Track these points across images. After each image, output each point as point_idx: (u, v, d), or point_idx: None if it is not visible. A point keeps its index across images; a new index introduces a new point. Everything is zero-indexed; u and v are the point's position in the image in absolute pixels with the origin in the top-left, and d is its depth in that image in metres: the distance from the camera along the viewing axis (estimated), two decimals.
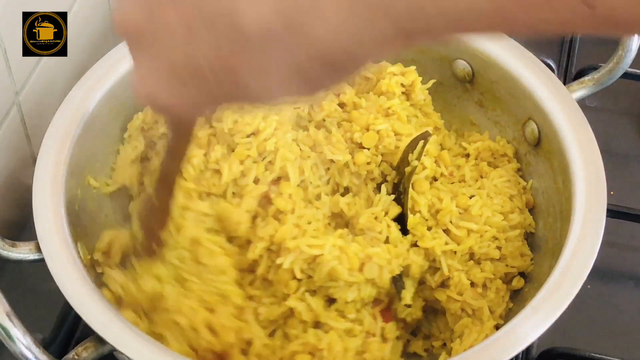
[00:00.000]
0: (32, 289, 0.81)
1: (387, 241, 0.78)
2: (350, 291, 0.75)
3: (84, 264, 0.73)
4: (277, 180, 0.80)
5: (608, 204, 0.75)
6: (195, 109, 0.50)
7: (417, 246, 0.79)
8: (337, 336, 0.74)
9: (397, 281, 0.78)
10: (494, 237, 0.80)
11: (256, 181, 0.80)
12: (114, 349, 0.67)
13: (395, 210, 0.80)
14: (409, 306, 0.78)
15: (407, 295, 0.77)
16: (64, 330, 0.82)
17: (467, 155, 0.88)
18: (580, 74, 0.99)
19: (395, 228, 0.79)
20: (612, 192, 0.77)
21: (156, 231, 0.74)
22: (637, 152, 0.99)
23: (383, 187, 0.82)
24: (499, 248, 0.79)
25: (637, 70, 0.98)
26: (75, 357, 0.67)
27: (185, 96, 0.47)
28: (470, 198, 0.81)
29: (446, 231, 0.80)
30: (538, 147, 0.84)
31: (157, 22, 0.45)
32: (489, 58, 0.86)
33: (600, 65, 0.87)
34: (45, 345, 0.67)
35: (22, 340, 0.64)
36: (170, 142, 0.64)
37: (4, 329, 0.64)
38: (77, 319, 0.70)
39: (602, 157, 0.78)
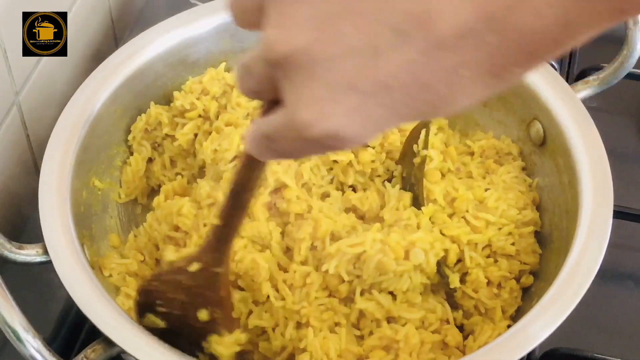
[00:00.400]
0: (31, 289, 0.80)
1: (419, 227, 0.78)
2: (402, 281, 0.74)
3: (90, 265, 0.72)
4: (277, 191, 0.80)
5: None
6: (377, 132, 0.44)
7: (443, 234, 0.79)
8: (413, 328, 0.73)
9: (439, 267, 0.77)
10: (510, 233, 0.79)
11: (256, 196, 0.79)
12: (122, 351, 0.67)
13: (408, 197, 0.80)
14: (455, 290, 0.78)
15: (455, 278, 0.77)
16: (64, 330, 0.81)
17: (472, 154, 0.88)
18: (582, 74, 1.00)
19: (422, 214, 0.79)
20: None
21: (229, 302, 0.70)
22: (637, 152, 1.00)
23: (388, 185, 0.82)
24: (513, 244, 0.79)
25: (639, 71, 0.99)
26: (84, 359, 0.67)
27: (370, 122, 0.42)
28: (485, 191, 0.81)
29: (464, 221, 0.80)
30: (543, 147, 0.84)
31: (332, 45, 0.39)
32: None
33: (603, 65, 0.87)
34: None
35: (32, 343, 0.64)
36: (242, 174, 0.57)
37: (14, 331, 0.64)
38: (77, 319, 0.69)
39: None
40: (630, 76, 0.97)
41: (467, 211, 0.79)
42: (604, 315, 0.85)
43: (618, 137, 0.99)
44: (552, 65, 0.96)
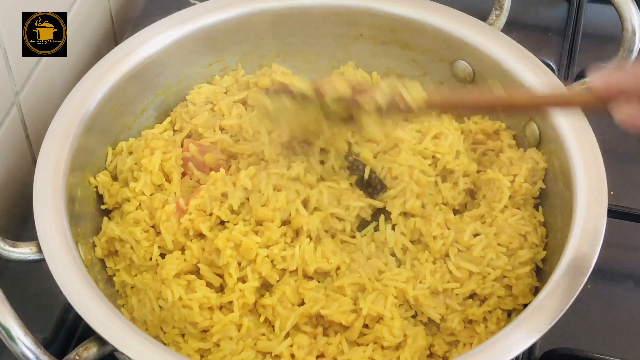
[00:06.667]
0: (32, 288, 0.81)
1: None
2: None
3: (84, 264, 0.73)
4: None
5: (608, 204, 0.75)
6: None
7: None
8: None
9: None
10: (503, 276, 0.77)
11: None
12: (114, 349, 0.67)
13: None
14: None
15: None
16: (64, 330, 0.82)
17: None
18: (581, 75, 0.99)
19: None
20: (612, 192, 0.77)
21: None
22: (637, 152, 0.99)
23: None
24: (509, 287, 0.77)
25: None
26: (76, 357, 0.67)
27: None
28: (475, 237, 0.78)
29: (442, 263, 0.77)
30: (539, 147, 0.84)
31: None
32: (489, 59, 0.86)
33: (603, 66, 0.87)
34: (46, 345, 0.67)
35: (23, 341, 0.65)
36: None
37: (5, 329, 0.64)
38: (78, 319, 0.70)
39: (602, 157, 0.78)
40: None
41: (447, 256, 0.77)
42: (604, 315, 0.85)
43: (618, 137, 0.97)
44: (549, 66, 0.96)
